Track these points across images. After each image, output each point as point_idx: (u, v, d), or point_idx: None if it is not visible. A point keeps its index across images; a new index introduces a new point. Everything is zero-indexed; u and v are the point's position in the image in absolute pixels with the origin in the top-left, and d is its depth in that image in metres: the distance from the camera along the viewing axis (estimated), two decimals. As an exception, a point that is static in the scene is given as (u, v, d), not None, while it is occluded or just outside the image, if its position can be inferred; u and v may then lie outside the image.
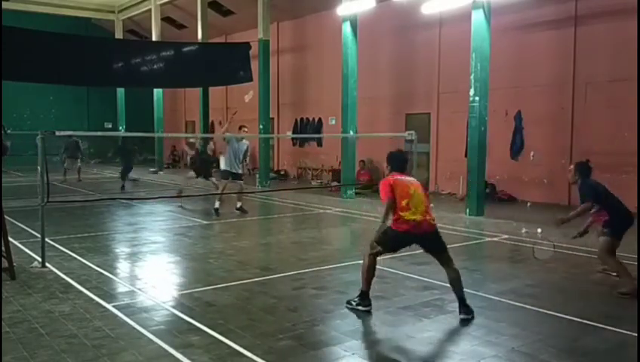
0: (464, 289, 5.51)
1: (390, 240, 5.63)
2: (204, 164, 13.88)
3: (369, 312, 5.49)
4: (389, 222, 5.57)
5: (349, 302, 5.66)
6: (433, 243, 5.60)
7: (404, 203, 5.47)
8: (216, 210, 11.92)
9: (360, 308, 5.54)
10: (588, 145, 13.12)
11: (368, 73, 16.81)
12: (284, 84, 21.85)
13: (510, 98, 14.25)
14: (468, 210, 11.95)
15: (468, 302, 5.45)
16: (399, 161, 5.90)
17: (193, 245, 9.11)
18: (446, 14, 14.86)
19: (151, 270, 7.51)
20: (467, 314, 5.37)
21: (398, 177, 5.68)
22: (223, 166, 12.66)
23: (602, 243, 6.58)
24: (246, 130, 12.90)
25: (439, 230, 5.62)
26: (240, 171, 12.32)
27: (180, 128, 29.38)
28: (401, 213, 5.44)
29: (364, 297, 5.59)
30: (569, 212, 6.72)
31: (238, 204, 12.18)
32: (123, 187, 16.97)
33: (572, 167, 6.99)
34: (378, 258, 5.69)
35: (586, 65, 13.05)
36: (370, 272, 5.62)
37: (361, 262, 7.57)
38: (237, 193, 12.32)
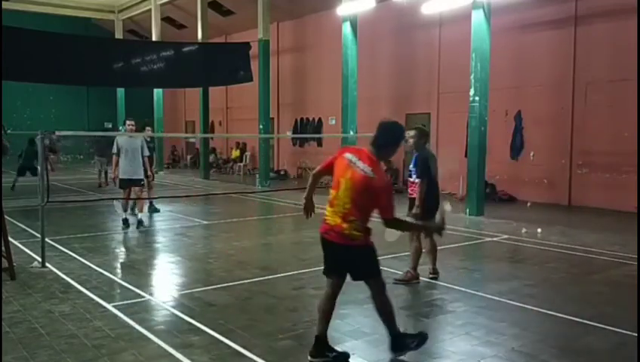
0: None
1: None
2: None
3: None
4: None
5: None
6: (345, 262, 4.29)
7: (331, 194, 4.29)
8: (139, 221, 10.29)
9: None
10: (588, 145, 13.13)
11: (368, 73, 16.81)
12: (284, 84, 21.86)
13: (510, 98, 14.25)
14: (468, 210, 11.96)
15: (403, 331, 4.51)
16: (377, 132, 4.36)
17: (193, 245, 9.11)
18: (446, 14, 14.86)
19: (151, 270, 7.51)
20: (395, 350, 4.40)
21: (349, 154, 4.33)
22: (120, 173, 10.14)
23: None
24: (130, 125, 10.39)
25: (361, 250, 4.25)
26: (140, 176, 10.24)
27: (180, 128, 29.40)
28: (327, 207, 4.32)
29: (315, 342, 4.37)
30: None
31: (139, 215, 10.40)
32: (13, 187, 15.86)
33: (414, 132, 6.43)
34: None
35: (586, 65, 13.05)
36: (319, 307, 4.41)
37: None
38: (141, 198, 10.55)
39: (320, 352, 4.32)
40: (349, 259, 4.27)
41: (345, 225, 4.16)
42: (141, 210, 10.65)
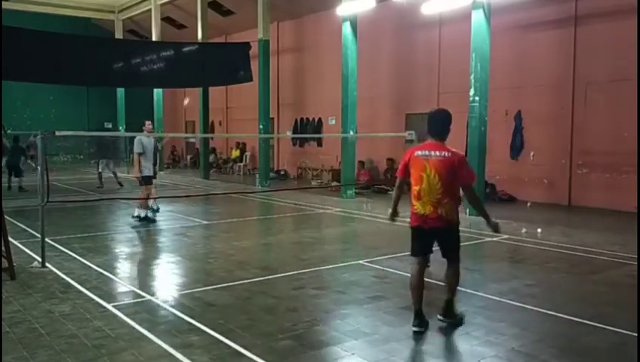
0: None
1: (412, 240, 5.04)
2: None
3: (417, 333, 4.91)
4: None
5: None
6: (443, 241, 5.05)
7: (415, 190, 4.88)
8: (146, 217, 10.74)
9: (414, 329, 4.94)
10: (588, 145, 13.13)
11: (368, 73, 16.81)
12: (284, 84, 21.86)
13: (510, 98, 14.25)
14: (468, 210, 11.93)
15: (455, 309, 5.17)
16: (430, 125, 5.00)
17: (193, 245, 9.11)
18: (446, 14, 14.85)
19: (151, 270, 7.51)
20: (445, 316, 5.08)
21: (419, 152, 4.89)
22: (144, 169, 10.64)
23: None
24: (150, 124, 11.25)
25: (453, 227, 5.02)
26: (153, 173, 11.00)
27: (180, 128, 29.40)
28: (413, 203, 4.92)
29: (414, 315, 4.97)
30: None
31: (143, 213, 10.79)
32: (10, 187, 16.22)
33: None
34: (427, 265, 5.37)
35: (586, 65, 13.05)
36: (413, 286, 5.00)
37: (360, 261, 7.62)
38: (153, 198, 11.00)
39: (424, 322, 4.98)
40: (448, 237, 5.02)
41: (440, 210, 4.81)
42: (147, 207, 10.96)
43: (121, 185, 17.11)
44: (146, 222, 10.73)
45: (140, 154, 10.54)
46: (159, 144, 11.97)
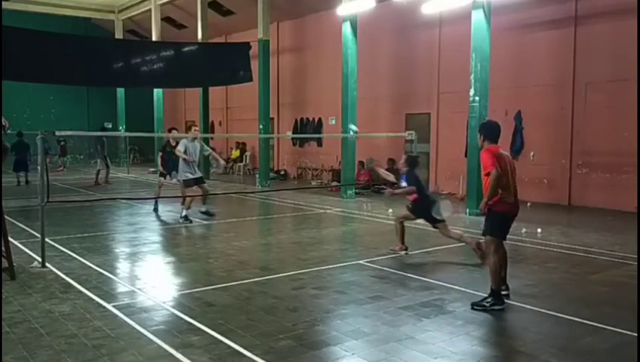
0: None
1: (499, 226, 5.73)
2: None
3: (502, 310, 5.55)
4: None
5: (478, 304, 5.61)
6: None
7: (507, 183, 5.62)
8: (186, 216, 11.18)
9: (495, 307, 5.56)
10: (588, 145, 13.13)
11: (368, 73, 16.81)
12: (284, 84, 21.85)
13: (510, 98, 14.25)
14: (468, 210, 11.95)
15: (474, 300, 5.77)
16: (494, 132, 5.89)
17: (193, 245, 9.11)
18: (446, 14, 14.86)
19: (151, 270, 7.50)
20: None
21: (501, 151, 5.75)
22: (184, 173, 11.17)
23: (404, 212, 8.38)
24: (196, 128, 12.09)
25: None
26: (201, 174, 11.63)
27: (181, 128, 29.34)
28: (502, 193, 5.57)
29: (497, 296, 5.63)
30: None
31: (204, 208, 11.30)
32: (19, 183, 17.31)
33: (403, 158, 8.44)
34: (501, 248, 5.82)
35: (586, 65, 13.05)
36: (499, 269, 5.67)
37: (360, 261, 7.62)
38: (203, 195, 11.40)
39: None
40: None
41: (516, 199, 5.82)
42: (205, 203, 11.33)
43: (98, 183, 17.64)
44: (186, 220, 11.05)
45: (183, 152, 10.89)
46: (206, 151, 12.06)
